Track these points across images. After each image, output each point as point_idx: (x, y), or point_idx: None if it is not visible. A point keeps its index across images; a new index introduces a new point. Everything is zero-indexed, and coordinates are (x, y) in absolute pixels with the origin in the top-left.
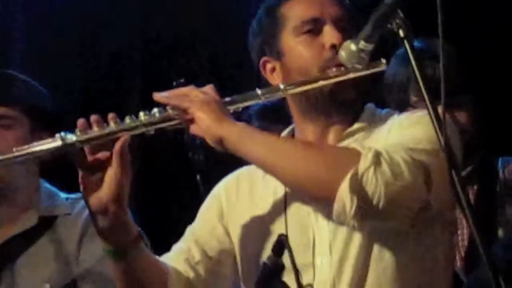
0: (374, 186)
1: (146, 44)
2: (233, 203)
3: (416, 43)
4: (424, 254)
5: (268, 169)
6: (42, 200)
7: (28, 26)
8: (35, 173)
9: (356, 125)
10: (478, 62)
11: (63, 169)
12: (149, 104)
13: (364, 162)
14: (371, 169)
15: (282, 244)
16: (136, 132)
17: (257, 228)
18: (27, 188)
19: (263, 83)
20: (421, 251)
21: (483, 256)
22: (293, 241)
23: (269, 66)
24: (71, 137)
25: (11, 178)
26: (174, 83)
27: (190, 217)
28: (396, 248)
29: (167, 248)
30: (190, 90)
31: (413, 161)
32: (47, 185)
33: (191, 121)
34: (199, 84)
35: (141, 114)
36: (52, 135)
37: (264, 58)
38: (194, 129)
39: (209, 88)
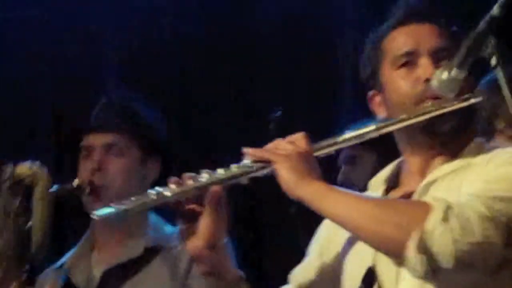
0: (441, 245)
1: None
2: (332, 234)
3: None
4: None
5: (344, 227)
6: (149, 230)
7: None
8: None
9: (457, 160)
10: None
11: None
12: None
13: (432, 219)
14: (439, 227)
15: (371, 276)
16: (230, 182)
17: (351, 257)
18: (135, 218)
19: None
20: None
21: None
22: (380, 271)
23: (376, 99)
24: (166, 192)
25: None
26: (273, 115)
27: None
28: None
29: None
30: (279, 142)
31: (488, 213)
32: (154, 215)
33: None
34: None
35: (232, 165)
36: (164, 161)
37: (372, 91)
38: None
39: (299, 137)
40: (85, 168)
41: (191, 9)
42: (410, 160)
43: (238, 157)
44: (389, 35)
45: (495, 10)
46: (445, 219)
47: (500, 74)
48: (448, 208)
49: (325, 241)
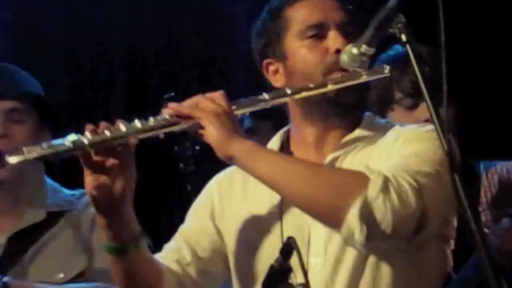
0: (383, 214)
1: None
2: (225, 201)
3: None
4: (419, 264)
5: (276, 190)
6: (47, 196)
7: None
8: (40, 169)
9: (357, 132)
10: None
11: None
12: (134, 111)
13: (373, 189)
14: (380, 197)
15: (291, 247)
16: (146, 135)
17: (251, 226)
18: (32, 183)
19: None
20: (416, 261)
21: (483, 255)
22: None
23: (272, 68)
24: (82, 140)
25: (16, 173)
26: (165, 96)
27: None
28: (393, 258)
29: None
30: (200, 100)
31: (418, 186)
32: (50, 181)
33: (201, 128)
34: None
35: (151, 118)
36: (54, 131)
37: (267, 60)
38: (204, 137)
39: (219, 96)
40: None
41: None
42: (305, 131)
43: None
44: (293, 5)
45: None
46: (385, 190)
47: (410, 50)
48: (386, 179)
49: (217, 204)
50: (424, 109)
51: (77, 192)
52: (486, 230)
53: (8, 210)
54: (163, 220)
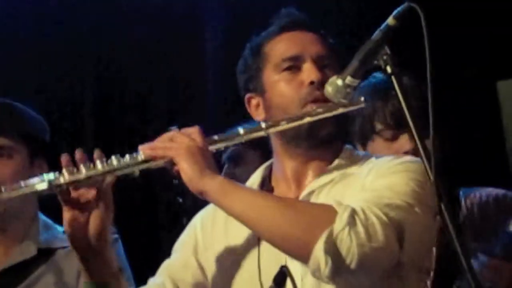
0: (348, 247)
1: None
2: (208, 236)
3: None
4: None
5: (247, 225)
6: (40, 232)
7: None
8: (33, 205)
9: (336, 162)
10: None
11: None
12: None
13: (340, 222)
14: (346, 230)
15: (284, 275)
16: (122, 172)
17: (231, 261)
18: (24, 218)
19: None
20: None
21: (469, 276)
22: (265, 274)
23: (253, 102)
24: (59, 179)
25: (7, 208)
26: (168, 129)
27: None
28: None
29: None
30: (175, 135)
31: (388, 220)
32: (43, 217)
33: (175, 164)
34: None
35: (127, 155)
36: (48, 164)
37: (248, 95)
38: (179, 174)
39: (194, 132)
40: None
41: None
42: (285, 164)
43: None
44: (271, 40)
45: (391, 20)
46: (352, 223)
47: (395, 82)
48: (354, 213)
49: (200, 239)
50: (404, 141)
51: None
52: None
53: (1, 245)
54: (158, 252)
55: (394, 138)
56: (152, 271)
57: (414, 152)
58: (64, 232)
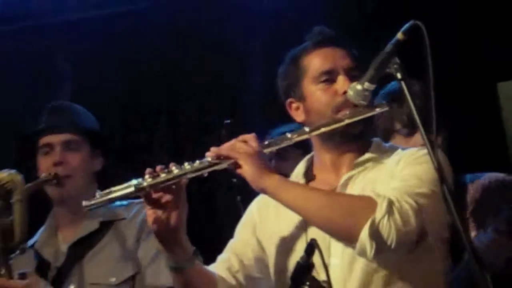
0: (388, 232)
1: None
2: (263, 218)
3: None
4: (425, 261)
5: (300, 215)
6: (101, 209)
7: None
8: (94, 185)
9: (366, 155)
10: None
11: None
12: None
13: (380, 212)
14: (385, 218)
15: (313, 246)
16: (195, 174)
17: (283, 237)
18: (86, 196)
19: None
20: (422, 260)
21: (469, 251)
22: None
23: (294, 106)
24: (142, 184)
25: (74, 189)
26: (224, 122)
27: None
28: (400, 262)
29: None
30: (236, 143)
31: (417, 206)
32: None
33: (238, 167)
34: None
35: (197, 161)
36: (104, 154)
37: (290, 99)
38: (241, 174)
39: (251, 138)
40: (46, 163)
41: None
42: (324, 157)
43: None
44: (308, 55)
45: (399, 35)
46: (390, 212)
47: (404, 86)
48: (390, 203)
49: (258, 221)
50: (419, 137)
51: (125, 202)
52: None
53: (68, 222)
54: (220, 239)
55: (410, 135)
56: (218, 252)
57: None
58: (121, 205)
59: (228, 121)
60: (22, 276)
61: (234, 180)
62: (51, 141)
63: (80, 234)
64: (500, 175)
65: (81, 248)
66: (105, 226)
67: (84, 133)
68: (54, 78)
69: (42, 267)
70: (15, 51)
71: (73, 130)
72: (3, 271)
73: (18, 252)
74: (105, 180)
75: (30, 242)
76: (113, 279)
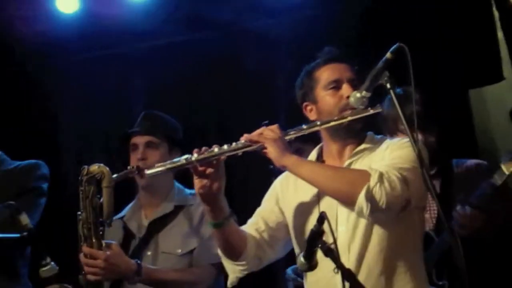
0: (380, 196)
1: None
2: (285, 192)
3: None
4: (407, 225)
5: (313, 185)
6: (175, 194)
7: None
8: (170, 176)
9: (362, 146)
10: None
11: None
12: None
13: (373, 181)
14: (377, 185)
15: (323, 217)
16: (231, 153)
17: (300, 207)
18: (164, 186)
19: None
20: (405, 224)
21: (445, 224)
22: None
23: (308, 107)
24: (191, 158)
25: (151, 180)
26: (263, 123)
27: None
28: (391, 223)
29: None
30: (264, 130)
31: (402, 177)
32: (177, 184)
33: (265, 149)
34: None
35: (233, 143)
36: (181, 152)
37: (305, 103)
38: (267, 154)
39: (275, 128)
40: (134, 158)
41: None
42: (331, 147)
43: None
44: (319, 69)
45: (388, 55)
46: (381, 181)
47: (392, 94)
48: (381, 174)
49: (280, 194)
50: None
51: (193, 191)
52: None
53: (149, 204)
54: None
55: None
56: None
57: (424, 141)
58: (190, 194)
59: (267, 121)
60: (108, 245)
61: (271, 166)
62: (136, 142)
63: (159, 214)
64: (479, 161)
65: (158, 224)
66: (178, 208)
67: (162, 135)
68: (130, 96)
69: (128, 236)
70: (101, 74)
71: (153, 133)
72: (94, 241)
73: (106, 225)
74: (180, 172)
75: (119, 215)
76: (179, 250)
